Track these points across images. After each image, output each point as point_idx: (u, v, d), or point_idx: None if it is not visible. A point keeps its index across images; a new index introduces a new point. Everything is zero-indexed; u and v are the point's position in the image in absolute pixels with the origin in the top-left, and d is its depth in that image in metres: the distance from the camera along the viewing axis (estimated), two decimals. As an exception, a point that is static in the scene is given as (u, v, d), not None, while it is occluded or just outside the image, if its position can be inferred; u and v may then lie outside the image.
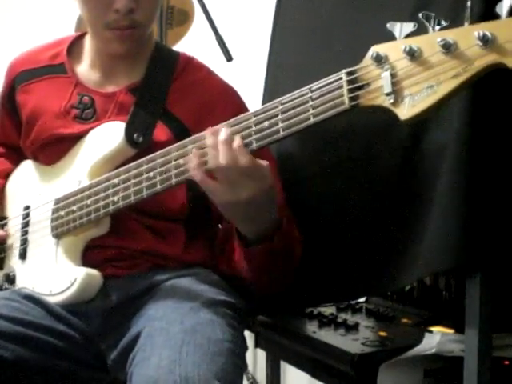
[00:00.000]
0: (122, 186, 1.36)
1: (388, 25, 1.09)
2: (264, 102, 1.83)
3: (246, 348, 1.35)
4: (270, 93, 1.83)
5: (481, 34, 0.97)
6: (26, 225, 1.53)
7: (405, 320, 1.63)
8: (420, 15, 1.06)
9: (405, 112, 1.05)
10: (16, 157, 1.63)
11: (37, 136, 1.52)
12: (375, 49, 1.09)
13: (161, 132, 1.45)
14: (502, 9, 0.97)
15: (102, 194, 1.39)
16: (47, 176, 1.53)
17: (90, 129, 1.47)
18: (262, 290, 1.45)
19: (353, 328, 1.56)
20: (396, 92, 1.06)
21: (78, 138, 1.49)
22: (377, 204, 1.41)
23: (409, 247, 1.33)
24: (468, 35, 0.99)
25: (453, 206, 1.22)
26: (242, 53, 2.26)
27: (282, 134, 1.19)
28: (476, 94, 1.18)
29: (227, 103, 1.50)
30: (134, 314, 1.35)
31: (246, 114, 1.24)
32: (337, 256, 1.50)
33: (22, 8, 3.73)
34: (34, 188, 1.55)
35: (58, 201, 1.47)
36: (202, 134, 1.28)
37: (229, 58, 2.12)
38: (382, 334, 1.52)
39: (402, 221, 1.36)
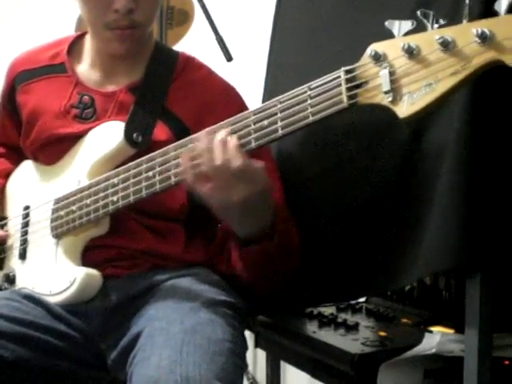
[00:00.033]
0: (122, 185, 1.36)
1: (386, 23, 1.09)
2: (264, 102, 1.81)
3: (246, 348, 1.35)
4: (270, 93, 1.83)
5: (479, 31, 0.97)
6: (25, 225, 1.53)
7: (405, 320, 1.63)
8: (418, 13, 1.06)
9: (403, 110, 1.05)
10: (16, 157, 1.63)
11: (37, 136, 1.52)
12: (373, 47, 1.09)
13: (161, 131, 1.45)
14: (501, 6, 0.97)
15: (102, 194, 1.39)
16: (47, 176, 1.53)
17: (90, 128, 1.47)
18: (260, 290, 1.45)
19: (353, 328, 1.56)
20: (394, 90, 1.06)
21: (77, 137, 1.49)
22: (377, 204, 1.41)
23: (409, 247, 1.33)
24: (466, 32, 0.99)
25: (453, 206, 1.22)
26: (242, 53, 2.26)
27: (280, 132, 1.19)
28: (476, 93, 1.18)
29: (228, 103, 1.50)
30: (134, 313, 1.36)
31: (245, 112, 1.24)
32: (337, 256, 1.50)
33: (22, 8, 3.73)
34: (34, 188, 1.55)
35: (57, 201, 1.47)
36: (199, 134, 1.28)
37: (229, 58, 2.12)
38: (382, 334, 1.52)
39: (402, 221, 1.36)
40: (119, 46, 1.45)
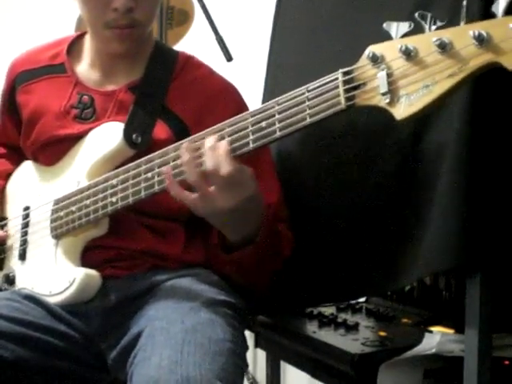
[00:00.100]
0: (121, 186, 1.36)
1: (384, 25, 1.09)
2: (264, 101, 1.83)
3: (246, 348, 1.35)
4: (270, 93, 1.83)
5: (476, 33, 0.97)
6: (25, 225, 1.53)
7: (405, 320, 1.63)
8: (416, 15, 1.06)
9: (401, 112, 1.05)
10: (17, 157, 1.63)
11: (37, 137, 1.52)
12: (371, 48, 1.09)
13: (161, 130, 1.45)
14: (498, 8, 0.97)
15: (101, 195, 1.38)
16: (47, 176, 1.53)
17: (90, 129, 1.47)
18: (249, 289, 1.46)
19: (353, 328, 1.56)
20: (392, 92, 1.06)
21: (77, 138, 1.48)
22: (377, 204, 1.41)
23: (409, 247, 1.33)
24: (463, 35, 0.99)
25: (453, 206, 1.22)
26: (242, 53, 2.26)
27: (278, 134, 1.19)
28: (476, 94, 1.18)
29: (228, 101, 1.50)
30: (134, 313, 1.35)
31: (243, 114, 1.24)
32: (337, 256, 1.50)
33: (22, 8, 3.73)
34: (34, 189, 1.55)
35: (57, 201, 1.47)
36: (197, 135, 1.28)
37: (229, 58, 2.12)
38: (382, 333, 1.52)
39: (402, 221, 1.36)
40: (119, 45, 1.45)
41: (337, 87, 1.12)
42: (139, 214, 1.43)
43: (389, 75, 1.06)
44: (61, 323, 1.37)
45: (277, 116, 1.19)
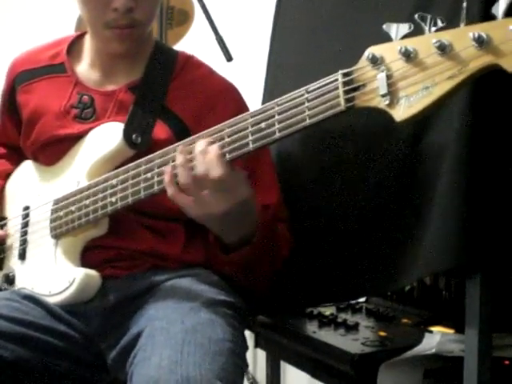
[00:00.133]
0: (120, 186, 1.36)
1: (384, 26, 1.10)
2: (264, 101, 1.83)
3: (246, 348, 1.35)
4: (270, 93, 1.83)
5: (476, 35, 0.97)
6: (25, 225, 1.53)
7: (405, 320, 1.63)
8: (416, 16, 1.06)
9: (400, 113, 1.05)
10: (16, 157, 1.63)
11: (37, 137, 1.52)
12: (371, 50, 1.09)
13: (160, 130, 1.45)
14: (498, 9, 0.97)
15: (101, 195, 1.38)
16: (46, 176, 1.53)
17: (90, 128, 1.47)
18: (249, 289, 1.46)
19: (353, 328, 1.56)
20: (391, 93, 1.06)
21: (77, 138, 1.48)
22: (377, 204, 1.41)
23: (409, 247, 1.33)
24: (463, 36, 0.99)
25: (453, 207, 1.22)
26: (242, 53, 2.26)
27: (278, 135, 1.19)
28: (476, 94, 1.18)
29: (228, 101, 1.50)
30: (133, 313, 1.35)
31: (243, 115, 1.24)
32: (337, 256, 1.50)
33: (22, 8, 3.73)
34: (34, 188, 1.55)
35: (56, 201, 1.47)
36: (195, 136, 1.28)
37: (229, 58, 2.12)
38: (382, 333, 1.52)
39: (402, 221, 1.36)
40: (118, 45, 1.45)
41: (336, 88, 1.12)
42: (139, 214, 1.43)
43: (388, 77, 1.06)
44: (60, 323, 1.37)
45: (276, 117, 1.19)
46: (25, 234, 1.53)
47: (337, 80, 1.12)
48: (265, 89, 1.87)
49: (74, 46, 1.58)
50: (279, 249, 1.43)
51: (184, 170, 1.25)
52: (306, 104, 1.16)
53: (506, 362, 1.37)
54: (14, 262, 1.53)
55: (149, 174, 1.32)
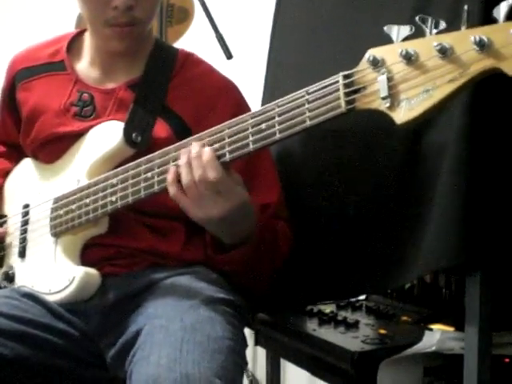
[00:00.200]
0: (120, 186, 1.36)
1: (385, 28, 1.09)
2: (264, 100, 1.83)
3: (245, 346, 1.35)
4: (270, 91, 1.83)
5: (477, 38, 0.97)
6: (25, 223, 1.53)
7: (405, 318, 1.63)
8: (417, 18, 1.06)
9: (401, 116, 1.05)
10: (16, 155, 1.63)
11: (37, 134, 1.52)
12: (372, 52, 1.09)
13: (161, 129, 1.45)
14: (500, 13, 0.97)
15: (101, 194, 1.38)
16: (46, 174, 1.53)
17: (90, 126, 1.47)
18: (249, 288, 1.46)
19: (353, 326, 1.56)
20: (392, 96, 1.06)
21: (77, 136, 1.48)
22: (377, 203, 1.41)
23: (409, 245, 1.33)
24: (464, 40, 0.99)
25: (453, 206, 1.22)
26: (241, 51, 2.26)
27: (278, 136, 1.19)
28: (476, 94, 1.18)
29: (228, 99, 1.50)
30: (132, 311, 1.35)
31: (243, 115, 1.24)
32: (337, 254, 1.50)
33: (23, 6, 3.73)
34: (34, 186, 1.55)
35: (56, 200, 1.46)
36: (196, 136, 1.28)
37: (229, 56, 2.12)
38: (382, 331, 1.52)
39: (402, 219, 1.36)
40: (118, 43, 1.44)
41: (337, 90, 1.12)
42: (139, 213, 1.43)
43: (389, 79, 1.06)
44: (60, 321, 1.37)
45: (277, 118, 1.19)
46: (24, 232, 1.52)
47: (337, 82, 1.12)
48: (265, 87, 1.87)
49: (73, 44, 1.57)
50: (279, 248, 1.43)
51: (187, 169, 1.25)
52: (307, 105, 1.16)
53: (506, 360, 1.37)
54: (13, 260, 1.53)
55: (149, 174, 1.32)
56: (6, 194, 1.61)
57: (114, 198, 1.37)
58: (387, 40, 1.10)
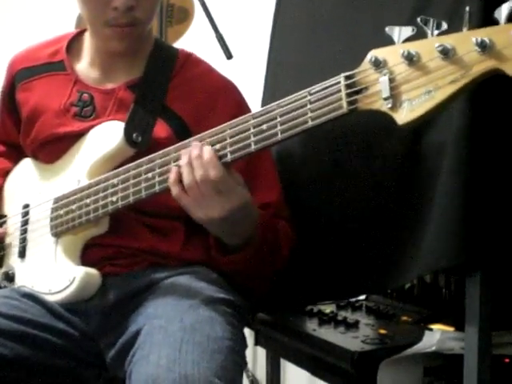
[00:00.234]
0: (121, 186, 1.36)
1: (387, 29, 1.09)
2: (264, 99, 1.83)
3: (245, 346, 1.35)
4: (270, 91, 1.83)
5: (479, 39, 0.97)
6: (25, 223, 1.53)
7: (405, 318, 1.63)
8: (419, 19, 1.06)
9: (402, 117, 1.05)
10: (16, 155, 1.63)
11: (37, 135, 1.52)
12: (374, 53, 1.09)
13: (161, 129, 1.45)
14: (501, 14, 0.97)
15: (101, 194, 1.38)
16: (47, 174, 1.53)
17: (90, 126, 1.47)
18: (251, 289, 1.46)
19: (353, 326, 1.56)
20: (394, 96, 1.06)
21: (77, 136, 1.48)
22: (377, 202, 1.41)
23: (409, 245, 1.33)
24: (466, 41, 0.99)
25: (453, 206, 1.22)
26: (241, 51, 2.26)
27: (280, 136, 1.19)
28: (476, 94, 1.18)
29: (228, 98, 1.50)
30: (132, 311, 1.35)
31: (245, 116, 1.25)
32: (337, 254, 1.50)
33: (23, 6, 3.73)
34: (34, 186, 1.55)
35: (57, 200, 1.46)
36: (199, 136, 1.28)
37: (229, 56, 2.12)
38: (382, 331, 1.52)
39: (402, 219, 1.36)
40: (118, 44, 1.44)
41: (339, 91, 1.12)
42: (140, 213, 1.43)
43: (391, 80, 1.07)
44: (60, 321, 1.37)
45: (278, 119, 1.19)
46: (24, 232, 1.52)
47: (339, 82, 1.13)
48: (265, 87, 1.87)
49: (73, 44, 1.57)
50: (280, 248, 1.43)
51: (189, 170, 1.25)
52: (309, 106, 1.16)
53: (506, 360, 1.37)
54: (13, 260, 1.53)
55: (150, 174, 1.32)
56: (6, 194, 1.61)
57: (114, 198, 1.37)
58: (387, 40, 1.10)
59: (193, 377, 1.13)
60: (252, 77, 2.02)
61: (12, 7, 3.77)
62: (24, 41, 1.70)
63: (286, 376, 2.38)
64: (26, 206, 1.54)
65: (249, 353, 1.43)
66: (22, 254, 1.51)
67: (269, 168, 1.50)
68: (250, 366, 2.56)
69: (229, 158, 1.24)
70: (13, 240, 1.55)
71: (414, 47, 1.05)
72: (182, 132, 1.43)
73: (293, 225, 1.49)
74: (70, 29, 2.02)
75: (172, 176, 1.28)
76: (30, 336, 1.32)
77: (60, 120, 1.50)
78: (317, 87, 1.16)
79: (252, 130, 1.22)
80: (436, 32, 1.05)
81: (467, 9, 1.05)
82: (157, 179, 1.32)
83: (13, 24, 3.69)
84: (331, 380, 1.52)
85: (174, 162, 1.29)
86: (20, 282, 1.49)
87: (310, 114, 1.16)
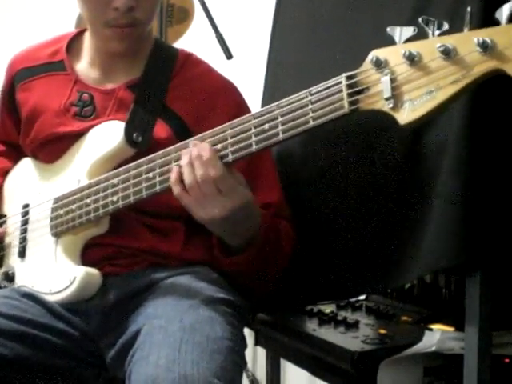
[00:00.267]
0: (122, 186, 1.36)
1: (388, 29, 1.09)
2: (264, 99, 1.83)
3: (245, 346, 1.35)
4: (270, 91, 1.83)
5: (480, 40, 0.97)
6: (25, 223, 1.53)
7: (405, 318, 1.63)
8: (420, 20, 1.06)
9: (404, 117, 1.05)
10: (15, 155, 1.63)
11: (36, 134, 1.52)
12: (375, 53, 1.09)
13: (160, 129, 1.45)
14: (502, 15, 0.97)
15: (102, 194, 1.38)
16: (46, 174, 1.53)
17: (90, 126, 1.47)
18: (252, 290, 1.46)
19: (353, 326, 1.56)
20: (396, 97, 1.06)
21: (77, 135, 1.48)
22: (377, 202, 1.41)
23: (409, 245, 1.33)
24: (468, 41, 0.99)
25: (453, 206, 1.22)
26: (242, 51, 2.26)
27: (281, 136, 1.19)
28: (476, 94, 1.18)
29: (227, 99, 1.50)
30: (132, 311, 1.35)
31: (246, 116, 1.25)
32: (337, 254, 1.50)
33: (23, 6, 3.73)
34: (34, 186, 1.55)
35: (57, 200, 1.46)
36: (199, 136, 1.29)
37: (229, 56, 2.12)
38: (382, 331, 1.52)
39: (402, 219, 1.36)
40: (118, 44, 1.44)
41: (340, 91, 1.13)
42: (140, 212, 1.43)
43: (392, 80, 1.07)
44: (60, 321, 1.37)
45: (280, 119, 1.19)
46: (24, 231, 1.52)
47: (340, 83, 1.13)
48: (265, 87, 1.87)
49: (73, 44, 1.57)
50: (282, 248, 1.43)
51: (189, 169, 1.25)
52: (310, 106, 1.16)
53: (506, 360, 1.37)
54: (13, 260, 1.53)
55: (150, 174, 1.32)
56: (6, 194, 1.61)
57: (115, 198, 1.37)
58: (387, 40, 1.10)
59: (192, 377, 1.13)
60: (252, 77, 2.02)
61: (12, 7, 3.77)
62: (24, 41, 1.70)
63: (286, 376, 2.38)
64: (26, 205, 1.54)
65: (249, 353, 1.43)
66: (22, 253, 1.51)
67: (269, 168, 1.50)
68: (249, 365, 2.56)
69: (230, 157, 1.24)
70: (12, 240, 1.55)
71: (415, 47, 1.05)
72: (182, 132, 1.43)
73: (293, 225, 1.49)
74: (70, 29, 2.02)
75: (173, 176, 1.28)
76: (29, 336, 1.32)
77: (60, 120, 1.50)
78: (318, 87, 1.16)
79: (253, 130, 1.22)
80: (437, 32, 1.05)
81: (468, 9, 1.05)
82: (157, 179, 1.32)
83: (13, 24, 3.69)
84: (331, 380, 1.52)
85: (175, 161, 1.29)
86: (20, 281, 1.49)
87: (311, 114, 1.16)
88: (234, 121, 1.25)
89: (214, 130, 1.27)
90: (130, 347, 1.26)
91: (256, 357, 2.55)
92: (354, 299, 1.76)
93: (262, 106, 1.78)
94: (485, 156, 1.20)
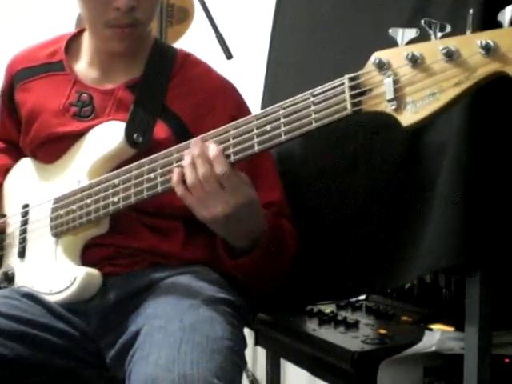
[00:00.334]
0: (123, 186, 1.36)
1: (390, 31, 1.10)
2: (264, 99, 1.83)
3: (245, 346, 1.35)
4: (270, 91, 1.83)
5: (483, 42, 0.97)
6: (24, 223, 1.53)
7: (405, 318, 1.63)
8: (422, 22, 1.06)
9: (407, 118, 1.06)
10: (16, 152, 1.62)
11: (36, 134, 1.52)
12: (377, 55, 1.09)
13: (160, 130, 1.45)
14: (505, 17, 0.97)
15: (102, 194, 1.38)
16: (46, 174, 1.53)
17: (89, 126, 1.47)
18: (254, 291, 1.46)
19: (353, 326, 1.56)
20: (398, 98, 1.06)
21: (77, 136, 1.48)
22: (377, 203, 1.41)
23: (409, 245, 1.33)
24: (470, 43, 0.99)
25: (453, 206, 1.22)
26: (242, 51, 2.26)
27: (283, 137, 1.19)
28: (476, 94, 1.18)
29: (227, 99, 1.50)
30: (132, 311, 1.35)
31: (248, 117, 1.25)
32: (337, 254, 1.50)
33: (22, 6, 3.73)
34: (33, 186, 1.55)
35: (57, 200, 1.46)
36: (202, 136, 1.28)
37: (229, 56, 2.12)
38: (382, 331, 1.52)
39: (402, 219, 1.36)
40: (118, 44, 1.44)
41: (343, 92, 1.13)
42: (141, 213, 1.43)
43: (395, 82, 1.07)
44: (60, 321, 1.37)
45: (282, 120, 1.19)
46: (24, 232, 1.52)
47: (343, 84, 1.13)
48: (265, 87, 1.87)
49: (72, 44, 1.57)
50: (287, 247, 1.43)
51: (191, 169, 1.25)
52: (312, 107, 1.16)
53: (506, 360, 1.37)
54: (13, 260, 1.53)
55: (152, 175, 1.32)
56: (5, 194, 1.61)
57: (116, 199, 1.37)
58: (387, 40, 1.10)
59: (192, 377, 1.13)
60: (252, 77, 2.02)
61: (12, 7, 3.77)
62: (24, 41, 1.70)
63: (286, 376, 2.38)
64: (26, 205, 1.54)
65: (249, 353, 1.43)
66: (22, 254, 1.51)
67: (270, 168, 1.50)
68: (249, 365, 2.56)
69: (232, 158, 1.24)
70: (12, 240, 1.55)
71: (417, 49, 1.05)
72: (182, 132, 1.43)
73: (294, 224, 1.49)
74: (70, 29, 2.02)
75: (175, 176, 1.27)
76: (29, 336, 1.31)
77: (59, 120, 1.50)
78: (320, 89, 1.16)
79: (255, 131, 1.22)
80: (439, 34, 1.05)
81: (471, 11, 1.05)
82: (159, 179, 1.32)
83: (13, 24, 3.69)
84: (331, 380, 1.52)
85: (177, 162, 1.29)
86: (20, 282, 1.49)
87: (314, 116, 1.16)
88: (236, 122, 1.25)
89: (216, 130, 1.27)
90: (129, 347, 1.26)
91: (256, 357, 2.55)
92: (354, 299, 1.76)
93: (262, 106, 1.78)
94: (485, 156, 1.20)
